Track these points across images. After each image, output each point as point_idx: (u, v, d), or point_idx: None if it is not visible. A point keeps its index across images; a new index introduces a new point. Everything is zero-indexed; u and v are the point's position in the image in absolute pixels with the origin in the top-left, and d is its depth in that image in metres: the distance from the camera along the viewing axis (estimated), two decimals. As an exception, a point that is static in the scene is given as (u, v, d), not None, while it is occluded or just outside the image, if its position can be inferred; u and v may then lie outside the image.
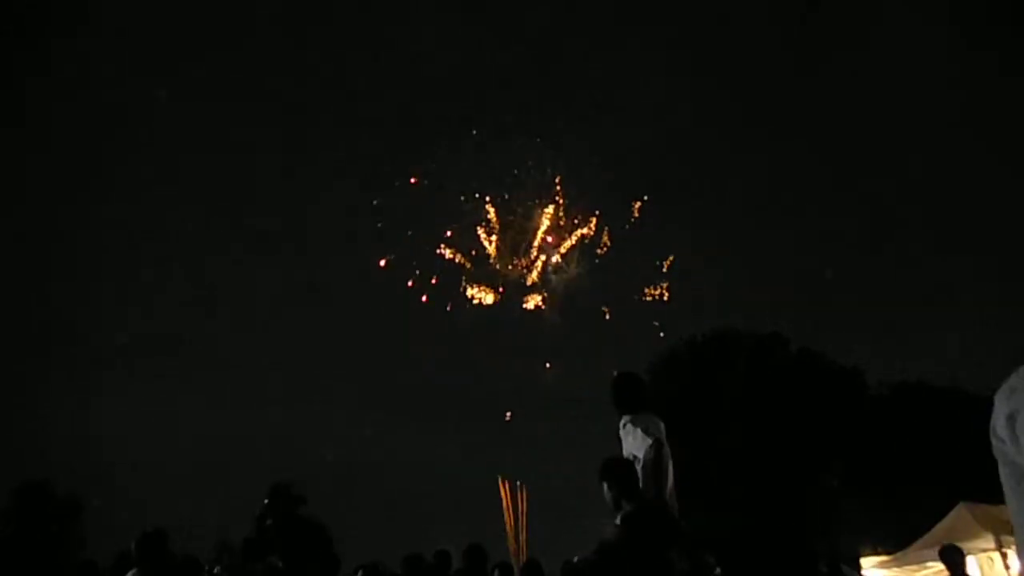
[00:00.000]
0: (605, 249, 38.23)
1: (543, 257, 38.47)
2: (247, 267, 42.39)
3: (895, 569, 13.18)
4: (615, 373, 5.10)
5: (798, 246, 41.47)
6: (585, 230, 38.34)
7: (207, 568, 7.81)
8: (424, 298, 38.59)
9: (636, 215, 37.74)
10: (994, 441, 1.21)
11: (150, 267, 41.32)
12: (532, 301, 38.24)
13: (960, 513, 11.90)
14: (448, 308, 38.66)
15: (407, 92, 44.99)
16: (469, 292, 38.05)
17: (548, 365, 39.89)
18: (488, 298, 38.09)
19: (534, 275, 38.39)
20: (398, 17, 43.35)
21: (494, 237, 38.31)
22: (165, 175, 42.44)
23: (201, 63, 42.00)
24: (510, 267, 38.28)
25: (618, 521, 4.22)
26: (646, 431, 4.57)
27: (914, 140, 40.44)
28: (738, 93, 42.85)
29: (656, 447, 4.45)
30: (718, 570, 6.15)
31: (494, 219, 38.27)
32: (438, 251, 38.21)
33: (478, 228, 38.27)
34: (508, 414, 37.87)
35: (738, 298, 36.80)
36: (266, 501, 5.00)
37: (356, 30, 44.60)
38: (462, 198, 38.22)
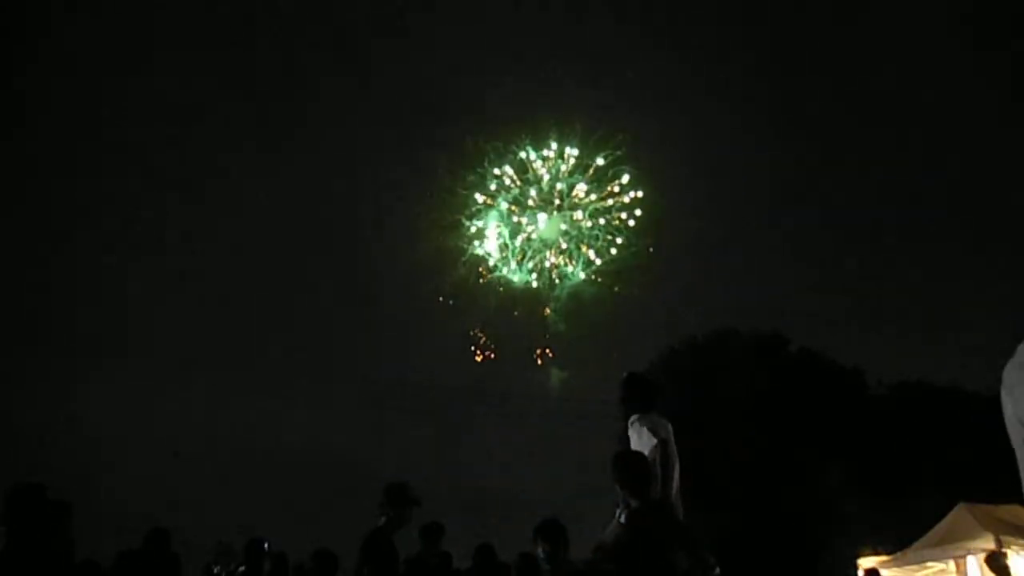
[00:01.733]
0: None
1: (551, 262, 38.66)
2: (244, 265, 42.32)
3: (895, 569, 13.19)
4: (624, 374, 5.14)
5: (798, 246, 41.45)
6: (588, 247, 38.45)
7: (208, 568, 7.83)
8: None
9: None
10: (1009, 402, 1.18)
11: (144, 262, 41.19)
12: (538, 355, 38.35)
13: (960, 513, 11.92)
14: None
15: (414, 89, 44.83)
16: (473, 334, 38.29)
17: (553, 358, 39.91)
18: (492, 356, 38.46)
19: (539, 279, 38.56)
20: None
21: (501, 243, 38.46)
22: (160, 169, 42.26)
23: (189, 53, 41.68)
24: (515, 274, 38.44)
25: (622, 519, 4.23)
26: (653, 431, 4.59)
27: (915, 140, 40.45)
28: (738, 89, 42.86)
29: (662, 447, 4.47)
30: (717, 570, 6.15)
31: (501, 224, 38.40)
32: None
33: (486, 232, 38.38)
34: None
35: (738, 298, 36.78)
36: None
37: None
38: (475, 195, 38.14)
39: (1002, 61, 35.83)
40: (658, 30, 43.07)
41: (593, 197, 38.04)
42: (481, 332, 38.33)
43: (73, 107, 39.83)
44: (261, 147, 41.81)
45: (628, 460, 4.40)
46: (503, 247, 38.61)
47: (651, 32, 43.59)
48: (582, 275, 38.90)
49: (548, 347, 38.85)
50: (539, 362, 38.58)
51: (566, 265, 38.92)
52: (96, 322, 37.89)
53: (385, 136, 41.90)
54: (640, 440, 4.63)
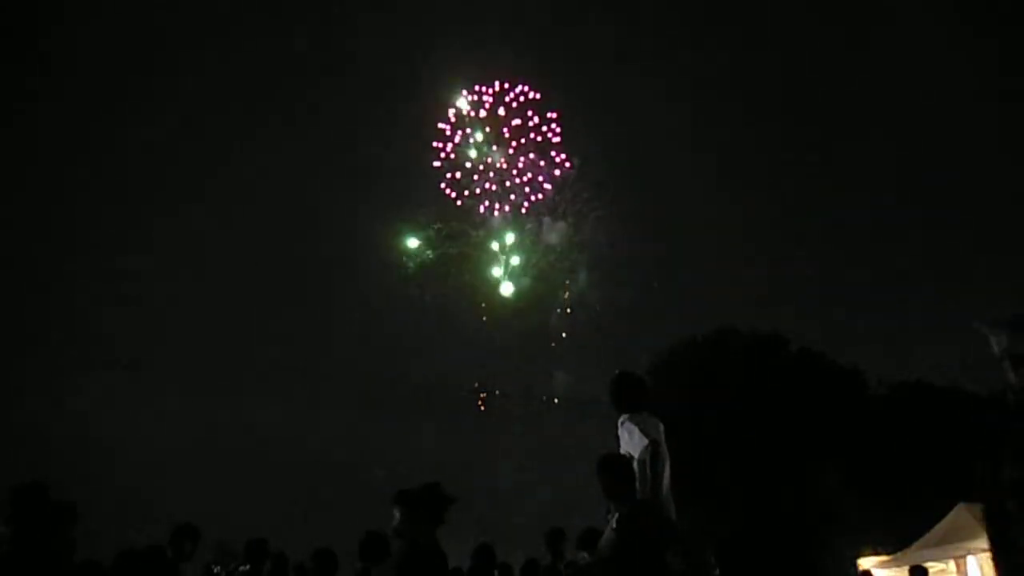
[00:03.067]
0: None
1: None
2: (244, 265, 42.31)
3: (895, 569, 13.21)
4: (615, 372, 5.09)
5: (798, 246, 41.44)
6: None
7: (208, 568, 7.82)
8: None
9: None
10: None
11: (146, 263, 41.18)
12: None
13: (960, 513, 11.94)
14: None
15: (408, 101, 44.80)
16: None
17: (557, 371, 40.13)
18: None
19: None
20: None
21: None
22: (162, 169, 42.25)
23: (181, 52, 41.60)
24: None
25: (613, 523, 4.21)
26: (644, 431, 4.55)
27: (916, 140, 40.41)
28: (739, 87, 42.84)
29: (652, 448, 4.44)
30: (717, 571, 6.14)
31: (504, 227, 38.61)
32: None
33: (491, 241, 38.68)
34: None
35: (738, 298, 36.78)
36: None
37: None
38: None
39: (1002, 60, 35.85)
40: (654, 32, 43.18)
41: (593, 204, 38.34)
42: (481, 387, 38.45)
43: (78, 108, 39.90)
44: (261, 146, 41.88)
45: (612, 465, 4.39)
46: (510, 252, 38.86)
47: (648, 33, 43.67)
48: (585, 279, 39.14)
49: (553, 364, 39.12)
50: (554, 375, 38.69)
51: (570, 270, 39.21)
52: (100, 325, 37.92)
53: (392, 144, 42.07)
54: (631, 440, 4.59)
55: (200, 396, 36.50)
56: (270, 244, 43.45)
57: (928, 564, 12.38)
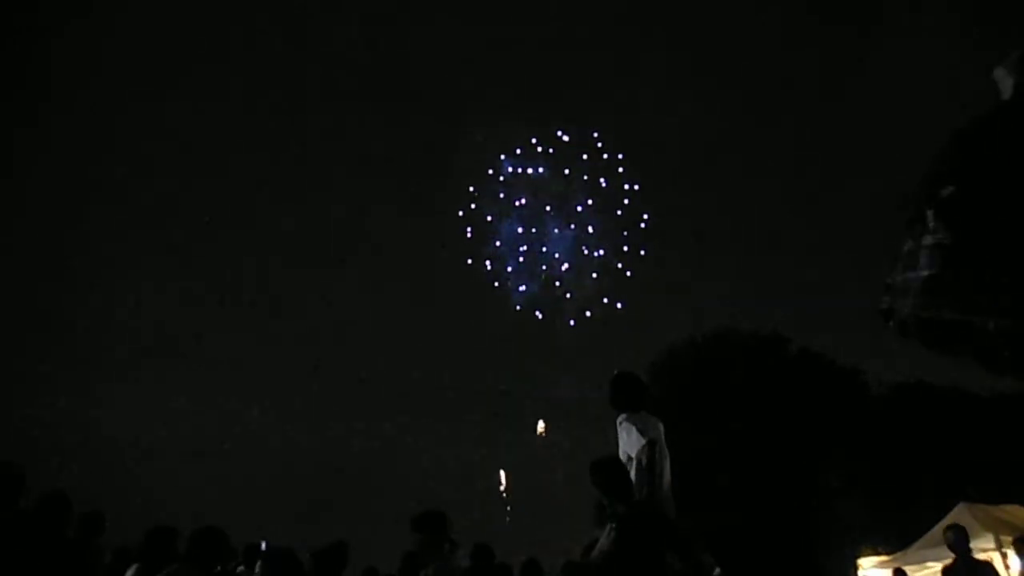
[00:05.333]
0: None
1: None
2: (250, 265, 42.32)
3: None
4: (614, 373, 5.09)
5: (799, 245, 41.41)
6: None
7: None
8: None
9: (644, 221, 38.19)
10: None
11: (157, 264, 41.22)
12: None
13: (960, 513, 11.90)
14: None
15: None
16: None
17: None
18: None
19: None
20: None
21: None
22: (169, 171, 42.31)
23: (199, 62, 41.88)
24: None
25: (612, 524, 4.20)
26: (641, 431, 4.54)
27: (915, 141, 40.33)
28: (738, 86, 42.83)
29: (650, 447, 4.43)
30: (718, 570, 6.13)
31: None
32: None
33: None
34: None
35: (738, 298, 36.76)
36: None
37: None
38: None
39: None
40: (654, 34, 43.23)
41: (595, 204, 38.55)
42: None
43: (107, 118, 40.07)
44: (279, 163, 42.33)
45: (606, 467, 4.38)
46: (515, 256, 39.10)
47: (648, 33, 43.72)
48: (587, 281, 39.33)
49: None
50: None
51: (574, 274, 39.43)
52: (108, 328, 37.98)
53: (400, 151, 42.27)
54: (629, 439, 4.59)
55: (202, 400, 36.54)
56: (284, 257, 43.58)
57: (928, 564, 12.35)
